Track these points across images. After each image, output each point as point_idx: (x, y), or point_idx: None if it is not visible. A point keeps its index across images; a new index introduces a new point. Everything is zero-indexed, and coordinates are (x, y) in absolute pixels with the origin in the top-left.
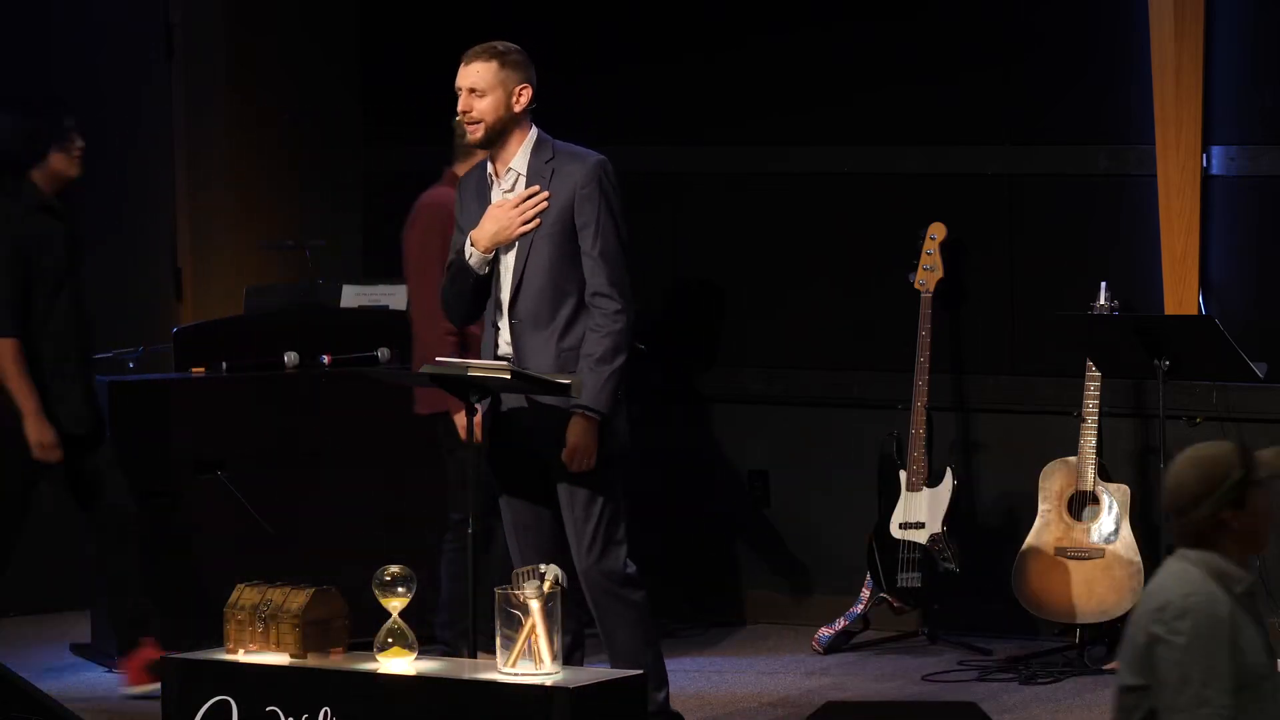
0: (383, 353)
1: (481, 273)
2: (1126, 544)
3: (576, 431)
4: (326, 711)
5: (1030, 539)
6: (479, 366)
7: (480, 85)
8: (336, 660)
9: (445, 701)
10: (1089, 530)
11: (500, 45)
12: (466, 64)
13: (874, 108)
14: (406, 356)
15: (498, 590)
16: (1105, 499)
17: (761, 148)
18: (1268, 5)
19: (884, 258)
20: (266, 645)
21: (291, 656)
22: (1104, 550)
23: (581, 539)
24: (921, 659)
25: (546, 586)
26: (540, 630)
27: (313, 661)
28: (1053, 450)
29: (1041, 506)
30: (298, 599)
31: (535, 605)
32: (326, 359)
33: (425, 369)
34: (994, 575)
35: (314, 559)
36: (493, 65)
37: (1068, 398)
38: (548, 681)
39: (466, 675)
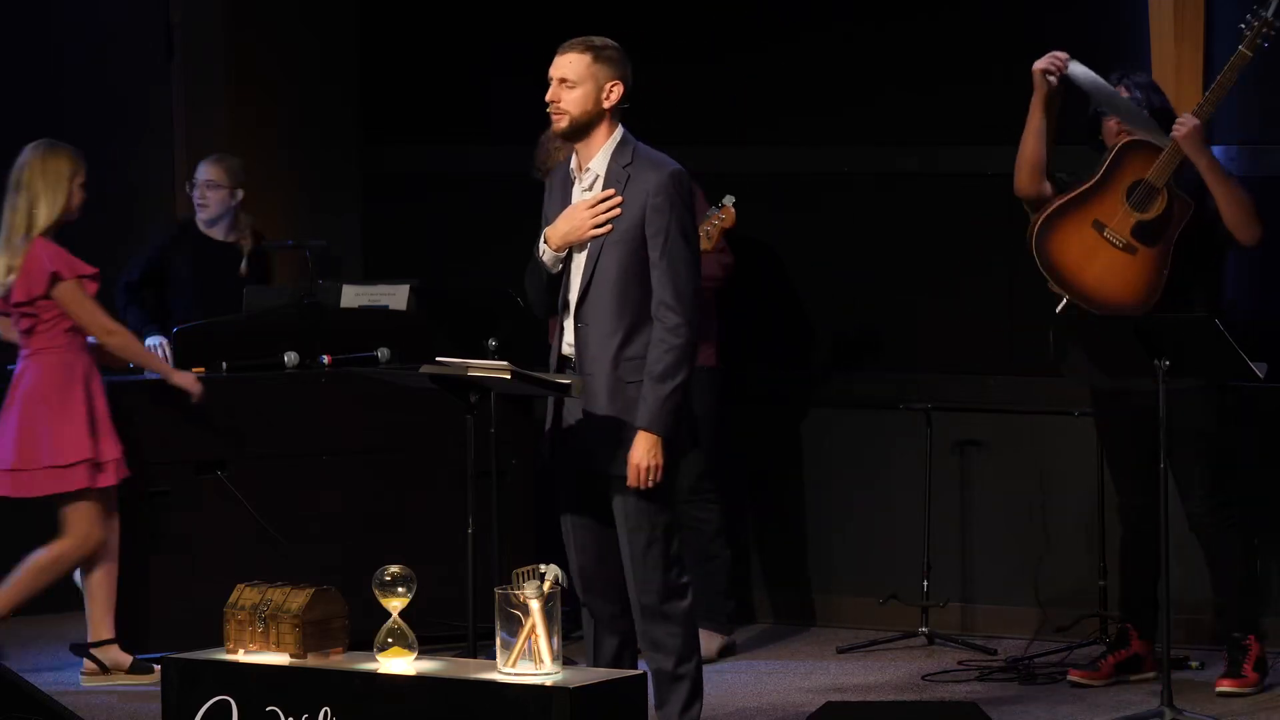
0: (383, 353)
1: (554, 270)
2: (1162, 254)
3: (640, 451)
4: (326, 711)
5: (1078, 195)
6: (479, 366)
7: (571, 76)
8: (336, 660)
9: (445, 701)
10: (1134, 223)
11: (597, 40)
12: (561, 54)
13: (873, 108)
14: (406, 356)
15: (497, 590)
16: (1165, 198)
17: (758, 148)
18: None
19: (884, 257)
20: (266, 645)
21: (291, 656)
22: (1138, 249)
23: (634, 557)
24: (921, 659)
25: (546, 586)
26: (540, 630)
27: (313, 661)
28: (1053, 450)
29: (1100, 175)
30: (298, 599)
31: (535, 605)
32: (326, 359)
33: (425, 369)
34: (994, 577)
35: (314, 559)
36: (586, 58)
37: (1068, 398)
38: (548, 682)
39: (466, 675)
